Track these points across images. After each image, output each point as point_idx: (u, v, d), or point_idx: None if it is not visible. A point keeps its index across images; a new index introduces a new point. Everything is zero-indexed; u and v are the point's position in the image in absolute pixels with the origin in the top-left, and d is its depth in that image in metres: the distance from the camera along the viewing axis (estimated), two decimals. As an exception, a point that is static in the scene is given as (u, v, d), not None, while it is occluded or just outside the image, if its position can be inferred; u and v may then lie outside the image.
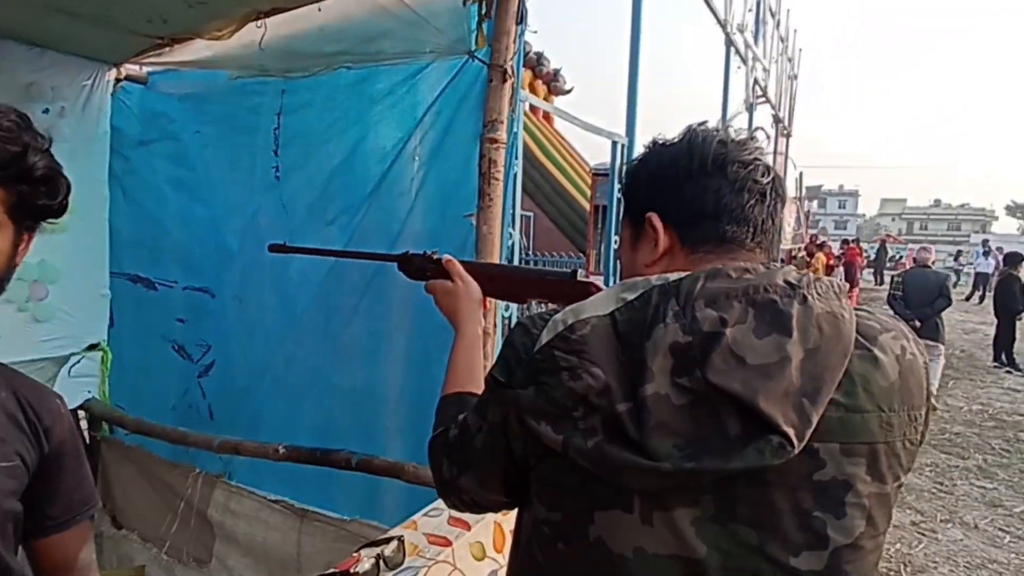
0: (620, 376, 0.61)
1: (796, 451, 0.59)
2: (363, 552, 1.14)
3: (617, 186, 2.45)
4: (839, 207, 61.36)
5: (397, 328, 1.79)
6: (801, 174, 13.63)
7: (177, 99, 2.27)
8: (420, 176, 1.68)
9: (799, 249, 12.25)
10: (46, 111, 2.14)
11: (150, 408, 2.38)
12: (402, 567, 1.13)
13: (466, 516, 1.35)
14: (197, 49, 2.08)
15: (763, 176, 0.71)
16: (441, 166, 1.65)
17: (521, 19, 1.52)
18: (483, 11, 1.55)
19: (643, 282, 0.66)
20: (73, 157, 2.25)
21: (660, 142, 0.76)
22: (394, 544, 1.16)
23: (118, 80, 2.35)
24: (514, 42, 1.53)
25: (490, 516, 1.38)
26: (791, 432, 0.58)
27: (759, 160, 0.72)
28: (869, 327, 0.67)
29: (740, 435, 0.59)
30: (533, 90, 18.75)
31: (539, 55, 18.35)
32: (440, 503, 1.43)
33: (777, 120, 10.08)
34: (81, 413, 2.39)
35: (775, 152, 9.44)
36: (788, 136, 11.15)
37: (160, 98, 2.33)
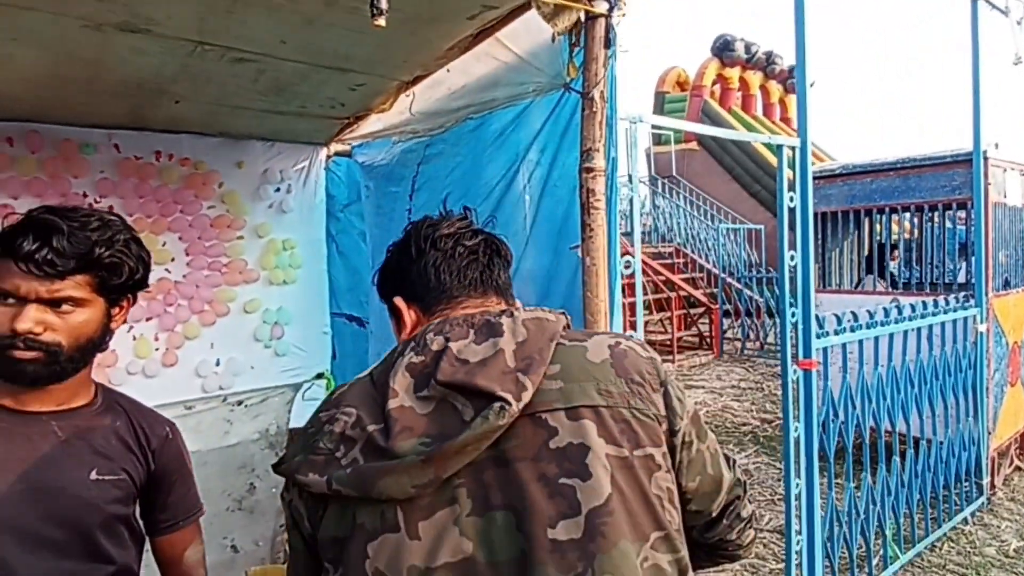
0: (371, 408, 0.72)
1: (516, 411, 0.68)
2: None
3: (788, 195, 2.16)
4: None
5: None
6: None
7: (363, 165, 2.68)
8: (532, 212, 1.73)
9: None
10: (277, 190, 2.72)
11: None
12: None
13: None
14: (371, 123, 2.44)
15: (470, 239, 0.89)
16: (549, 201, 1.68)
17: (609, 43, 1.48)
18: (572, 40, 1.55)
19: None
20: (298, 223, 2.81)
21: (392, 244, 0.95)
22: None
23: (329, 156, 2.87)
24: (604, 67, 1.49)
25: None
26: (508, 396, 0.68)
27: (463, 229, 0.90)
28: (583, 334, 0.83)
29: (472, 415, 0.68)
30: (765, 92, 17.27)
31: (769, 54, 16.90)
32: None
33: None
34: (313, 430, 2.92)
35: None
36: None
37: (356, 166, 2.79)
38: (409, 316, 0.88)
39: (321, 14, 1.51)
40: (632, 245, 1.70)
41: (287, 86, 2.03)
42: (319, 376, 2.90)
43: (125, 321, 1.07)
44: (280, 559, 2.76)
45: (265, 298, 2.72)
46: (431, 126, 2.15)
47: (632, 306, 1.78)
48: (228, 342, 2.58)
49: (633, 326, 1.83)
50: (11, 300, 0.94)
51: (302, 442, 0.76)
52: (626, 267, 1.66)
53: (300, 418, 2.85)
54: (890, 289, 5.12)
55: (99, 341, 1.03)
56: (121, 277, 1.02)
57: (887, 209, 4.72)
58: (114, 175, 2.32)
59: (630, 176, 1.74)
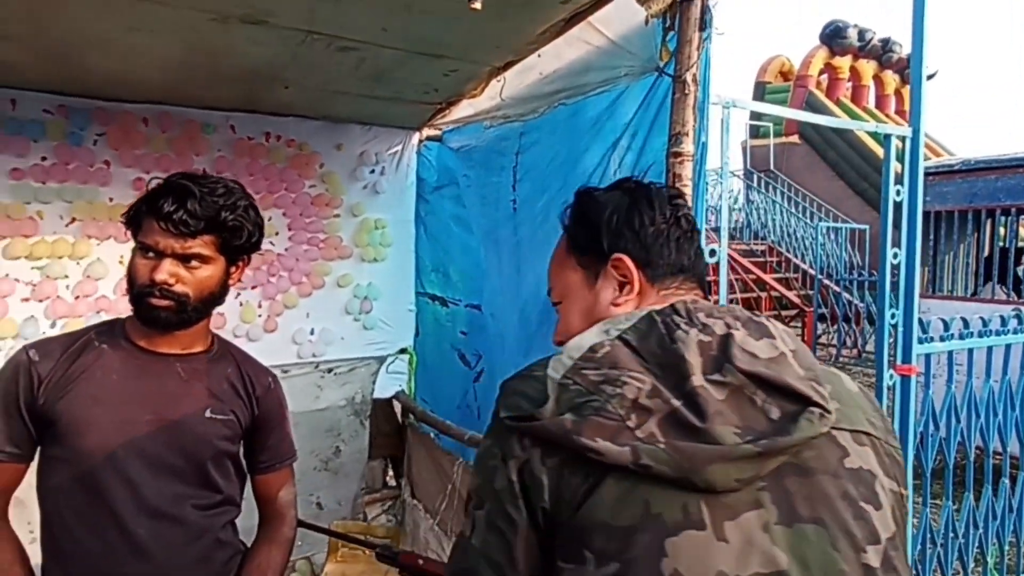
0: (660, 379, 0.62)
1: (832, 421, 0.62)
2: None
3: (894, 189, 2.03)
4: None
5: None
6: None
7: (455, 150, 2.76)
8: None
9: None
10: (372, 171, 2.86)
11: (443, 404, 2.90)
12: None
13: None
14: (463, 108, 2.51)
15: (691, 220, 0.83)
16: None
17: (704, 26, 1.46)
18: (667, 24, 1.53)
19: (624, 317, 0.70)
20: (390, 205, 2.95)
21: (598, 189, 0.86)
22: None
23: (421, 140, 2.98)
24: (698, 50, 1.46)
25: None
26: (823, 403, 0.62)
27: (688, 207, 0.84)
28: None
29: (782, 416, 0.61)
30: (879, 82, 16.00)
31: (886, 41, 15.64)
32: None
33: None
34: (395, 402, 3.07)
35: None
36: None
37: (447, 151, 2.87)
38: (638, 279, 0.77)
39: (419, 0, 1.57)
40: (719, 239, 1.66)
41: (385, 72, 2.13)
42: (402, 351, 3.04)
43: (240, 281, 1.19)
44: (360, 518, 2.93)
45: (357, 273, 2.87)
46: (523, 111, 2.18)
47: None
48: (322, 313, 2.76)
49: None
50: (151, 254, 1.07)
51: (566, 400, 0.62)
52: (711, 255, 1.63)
53: (384, 389, 3.01)
54: (1013, 297, 4.65)
55: (219, 295, 1.16)
56: (241, 239, 1.14)
57: (1013, 210, 4.28)
58: (230, 154, 2.53)
59: (721, 165, 1.70)
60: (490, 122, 2.44)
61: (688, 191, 1.50)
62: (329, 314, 2.79)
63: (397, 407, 3.10)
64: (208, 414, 1.13)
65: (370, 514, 3.03)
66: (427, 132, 2.97)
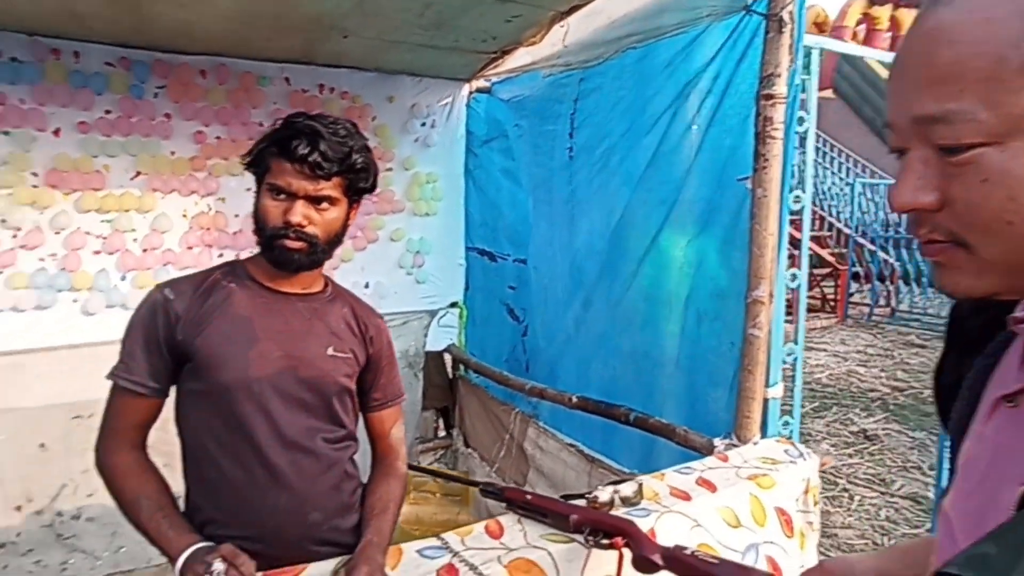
0: None
1: None
2: (605, 487, 1.27)
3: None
4: None
5: (673, 295, 1.85)
6: None
7: (506, 102, 2.72)
8: (697, 143, 1.69)
9: None
10: (423, 124, 2.83)
11: (492, 357, 2.94)
12: (636, 506, 1.23)
13: (715, 478, 1.36)
14: (520, 56, 2.46)
15: None
16: (718, 131, 1.63)
17: (800, -39, 1.40)
18: (756, -39, 1.47)
19: None
20: (440, 158, 2.93)
21: None
22: (634, 485, 1.26)
23: (471, 93, 2.94)
24: (793, -13, 1.41)
25: (744, 485, 1.35)
26: None
27: None
28: None
29: None
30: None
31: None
32: (696, 463, 1.46)
33: None
34: (446, 355, 3.12)
35: None
36: None
37: (497, 103, 2.83)
38: None
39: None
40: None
41: (448, 20, 2.09)
42: (453, 305, 3.07)
43: (352, 222, 1.18)
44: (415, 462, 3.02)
45: (409, 228, 2.88)
46: (586, 58, 2.13)
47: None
48: (376, 267, 2.78)
49: (796, 263, 1.77)
50: (282, 196, 1.07)
51: None
52: (795, 201, 1.61)
53: (435, 342, 3.05)
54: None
55: (341, 236, 1.17)
56: (367, 181, 1.14)
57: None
58: (285, 106, 2.52)
59: (808, 110, 1.65)
60: (548, 70, 2.39)
61: (779, 135, 1.46)
62: (383, 268, 2.82)
63: (447, 360, 3.15)
64: (330, 352, 1.14)
65: (423, 463, 3.11)
66: (476, 84, 2.93)
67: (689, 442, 1.68)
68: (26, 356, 2.17)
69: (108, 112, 2.23)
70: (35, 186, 2.16)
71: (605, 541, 1.05)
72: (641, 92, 1.86)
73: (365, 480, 1.25)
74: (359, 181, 1.12)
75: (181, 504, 1.09)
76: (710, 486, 1.32)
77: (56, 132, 2.17)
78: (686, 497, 1.27)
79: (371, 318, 1.25)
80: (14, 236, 2.14)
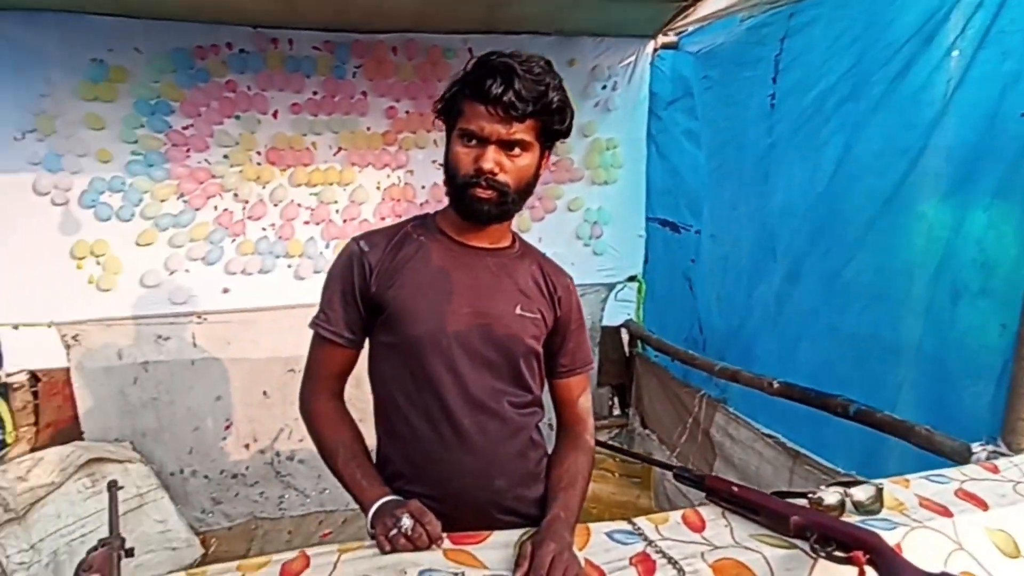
0: None
1: None
2: (830, 488, 1.06)
3: None
4: None
5: (915, 265, 1.51)
6: None
7: (694, 54, 2.47)
8: (958, 73, 1.34)
9: None
10: (604, 87, 2.69)
11: (670, 335, 2.75)
12: (875, 515, 1.00)
13: (983, 492, 1.08)
14: (711, 3, 2.20)
15: None
16: (991, 53, 1.28)
17: None
18: None
19: None
20: (622, 122, 2.77)
21: None
22: (870, 490, 1.04)
23: (655, 50, 2.73)
24: None
25: (1024, 504, 1.05)
26: None
27: None
28: None
29: None
30: None
31: None
32: (951, 471, 1.18)
33: None
34: (623, 331, 2.98)
35: None
36: None
37: (684, 58, 2.59)
38: None
39: None
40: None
41: (635, -37, 1.92)
42: (631, 279, 2.92)
43: (544, 170, 1.10)
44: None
45: (587, 197, 2.78)
46: (798, -11, 1.83)
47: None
48: (553, 237, 2.72)
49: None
50: (473, 141, 1.00)
51: None
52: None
53: (612, 317, 2.93)
54: None
55: (532, 186, 1.09)
56: (563, 123, 1.06)
57: None
58: (468, 78, 2.54)
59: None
60: (748, 12, 2.11)
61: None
62: (560, 238, 2.76)
63: (624, 336, 3.01)
64: (518, 311, 1.07)
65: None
66: (662, 40, 2.71)
67: (934, 445, 1.37)
68: (254, 314, 2.47)
69: (315, 93, 2.43)
70: (259, 163, 2.42)
71: (840, 554, 0.86)
72: (875, 18, 1.53)
73: (550, 451, 1.18)
74: (553, 123, 1.03)
75: (373, 456, 1.11)
76: (978, 502, 1.04)
77: (275, 114, 2.40)
78: (945, 512, 1.01)
79: (560, 277, 1.16)
80: (243, 208, 2.43)
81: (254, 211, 2.44)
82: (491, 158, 0.99)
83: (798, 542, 0.94)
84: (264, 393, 2.53)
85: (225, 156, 2.38)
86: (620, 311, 2.94)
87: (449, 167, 1.05)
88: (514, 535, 0.98)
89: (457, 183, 1.03)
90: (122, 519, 2.34)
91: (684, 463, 2.43)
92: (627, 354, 3.01)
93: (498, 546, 0.94)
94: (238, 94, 2.35)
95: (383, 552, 0.90)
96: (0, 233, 2.22)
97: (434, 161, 2.56)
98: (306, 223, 2.51)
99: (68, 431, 2.38)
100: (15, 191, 2.20)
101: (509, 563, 0.90)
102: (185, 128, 2.32)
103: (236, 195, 2.41)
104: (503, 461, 1.06)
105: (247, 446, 2.54)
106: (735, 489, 1.01)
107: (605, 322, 2.92)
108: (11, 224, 2.22)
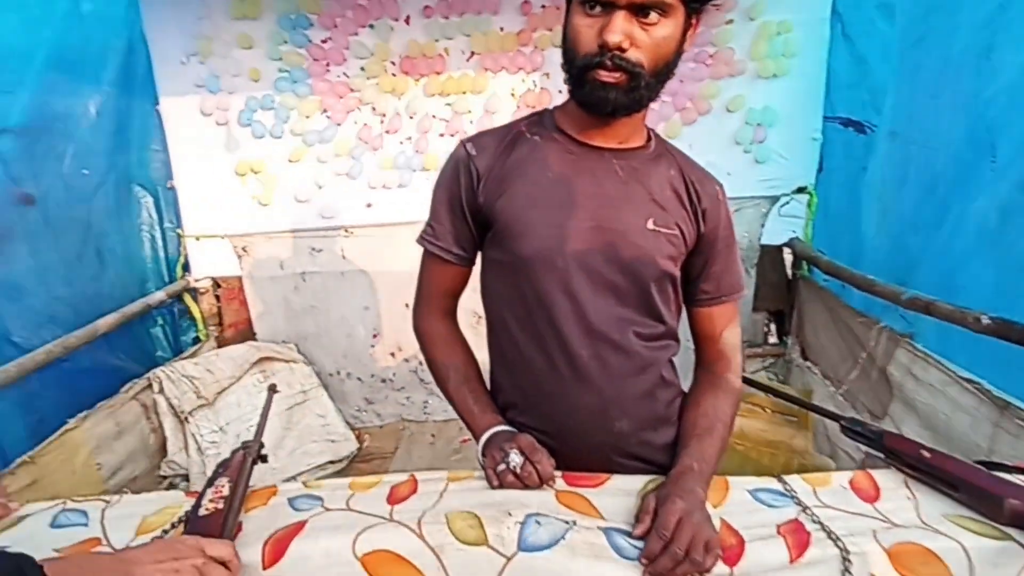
0: None
1: None
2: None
3: None
4: None
5: None
6: None
7: None
8: None
9: None
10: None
11: (847, 254, 2.35)
12: None
13: None
14: None
15: None
16: None
17: None
18: None
19: None
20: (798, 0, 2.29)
21: None
22: None
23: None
24: None
25: None
26: None
27: None
28: None
29: None
30: None
31: None
32: None
33: None
34: (786, 250, 2.63)
35: None
36: None
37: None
38: None
39: None
40: None
41: None
42: (800, 190, 2.52)
43: (689, 47, 0.88)
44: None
45: (750, 94, 2.39)
46: None
47: None
48: (707, 144, 2.40)
49: None
50: (597, 10, 0.80)
51: None
52: None
53: (774, 235, 2.58)
54: None
55: (672, 66, 0.84)
56: None
57: None
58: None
59: None
60: None
61: None
62: (715, 145, 2.43)
63: (787, 257, 2.66)
64: (650, 225, 0.89)
65: (747, 372, 2.78)
66: None
67: None
68: (395, 228, 2.52)
69: (447, -7, 2.29)
70: (393, 74, 2.37)
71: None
72: None
73: (686, 389, 1.02)
74: None
75: (487, 380, 1.04)
76: None
77: (407, 19, 2.31)
78: None
79: (707, 184, 0.96)
80: (381, 121, 2.43)
81: (391, 124, 2.42)
82: (618, 28, 0.78)
83: (1014, 532, 0.72)
84: (407, 305, 2.60)
85: (362, 68, 2.36)
86: (784, 228, 2.58)
87: (567, 47, 0.85)
88: (637, 482, 0.87)
89: (577, 64, 0.83)
90: (287, 412, 2.62)
91: (852, 403, 2.13)
92: (789, 276, 2.66)
93: (618, 493, 0.84)
94: (371, 1, 2.28)
95: (491, 486, 0.84)
96: (179, 153, 2.44)
97: (572, 61, 2.33)
98: (440, 135, 2.45)
99: (244, 332, 2.67)
100: (186, 113, 2.38)
101: (629, 515, 0.79)
102: (324, 42, 2.32)
103: (374, 108, 2.41)
104: (626, 401, 0.92)
105: (393, 354, 2.68)
106: (926, 454, 0.79)
107: (764, 240, 2.59)
108: (186, 144, 2.43)
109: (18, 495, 1.71)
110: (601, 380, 0.90)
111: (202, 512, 0.77)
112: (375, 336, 2.66)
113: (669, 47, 0.82)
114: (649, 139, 0.96)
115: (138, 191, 2.42)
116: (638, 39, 0.80)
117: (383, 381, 2.71)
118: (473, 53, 2.36)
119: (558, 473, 0.86)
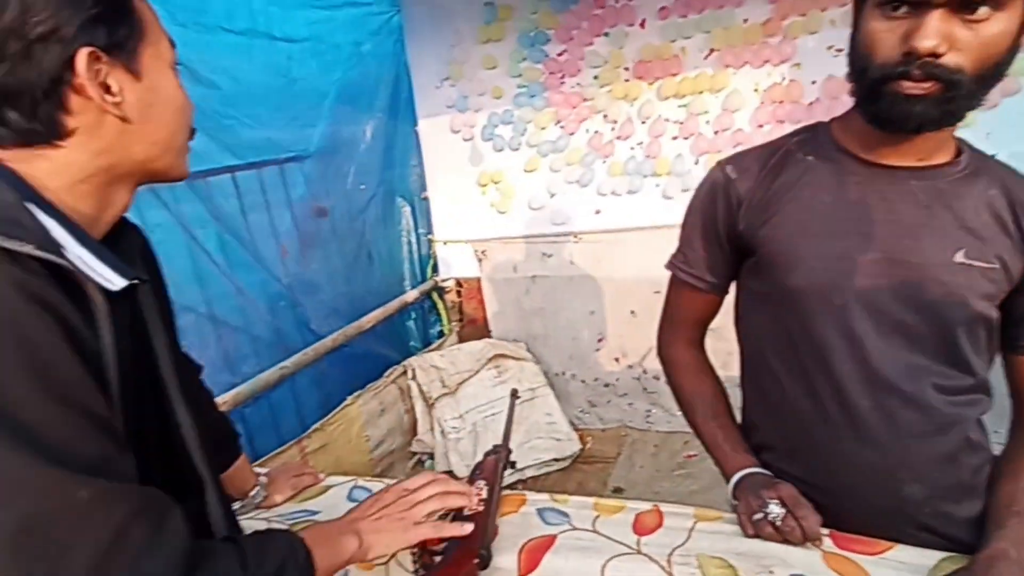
0: None
1: None
2: None
3: None
4: None
5: None
6: None
7: None
8: None
9: None
10: None
11: None
12: None
13: None
14: None
15: None
16: None
17: None
18: None
19: None
20: None
21: None
22: None
23: None
24: None
25: None
26: None
27: None
28: None
29: None
30: None
31: None
32: None
33: None
34: None
35: None
36: None
37: None
38: None
39: None
40: None
41: None
42: None
43: None
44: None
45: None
46: None
47: None
48: (1011, 133, 1.94)
49: None
50: (902, 10, 0.66)
51: None
52: None
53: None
54: None
55: (1003, 68, 0.67)
56: None
57: None
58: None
59: None
60: None
61: None
62: (1020, 136, 1.96)
63: None
64: (960, 258, 0.74)
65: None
66: None
67: None
68: (621, 235, 2.51)
69: (685, -10, 2.20)
70: (626, 80, 2.36)
71: None
72: None
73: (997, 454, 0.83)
74: None
75: (737, 414, 0.97)
76: None
77: (642, 23, 2.28)
78: None
79: None
80: (612, 128, 2.44)
81: (622, 130, 2.42)
82: (933, 31, 0.64)
83: None
84: (632, 312, 2.60)
85: (595, 77, 2.39)
86: None
87: (858, 54, 0.72)
88: (928, 558, 0.73)
89: (872, 76, 0.70)
90: (518, 407, 2.81)
91: None
92: None
93: (901, 568, 0.72)
94: (606, 9, 2.29)
95: (745, 534, 0.78)
96: (432, 166, 2.75)
97: (829, 47, 2.07)
98: (674, 138, 2.37)
99: (480, 328, 2.91)
100: (438, 131, 2.67)
101: (917, 596, 0.67)
102: (560, 55, 2.40)
103: (605, 116, 2.42)
104: (920, 463, 0.77)
105: (617, 360, 2.69)
106: None
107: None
108: (438, 159, 2.72)
109: (312, 456, 2.10)
110: (886, 437, 0.77)
111: (467, 512, 0.85)
112: (600, 340, 2.69)
113: (1001, 46, 0.66)
114: (959, 152, 0.79)
115: (399, 202, 2.78)
116: (960, 40, 0.65)
117: (606, 385, 2.73)
118: (712, 50, 2.23)
119: (825, 531, 0.77)
